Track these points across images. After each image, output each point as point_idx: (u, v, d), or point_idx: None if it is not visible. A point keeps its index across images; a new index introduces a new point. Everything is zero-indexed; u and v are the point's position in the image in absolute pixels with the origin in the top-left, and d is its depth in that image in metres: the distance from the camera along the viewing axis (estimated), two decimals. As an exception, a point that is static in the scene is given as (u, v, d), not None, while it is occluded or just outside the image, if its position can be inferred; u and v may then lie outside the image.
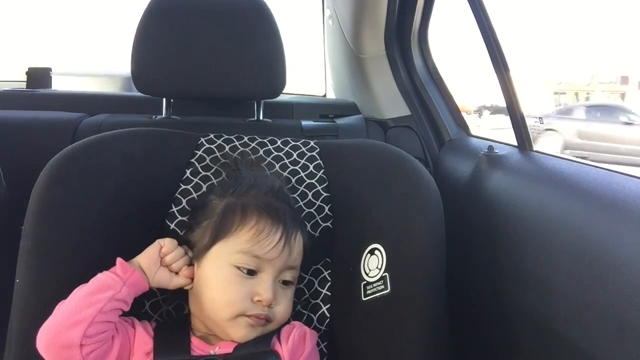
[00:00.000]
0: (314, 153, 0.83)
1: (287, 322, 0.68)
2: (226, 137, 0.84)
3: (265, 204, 0.65)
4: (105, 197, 0.69)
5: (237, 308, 0.61)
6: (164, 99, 1.07)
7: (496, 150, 0.86)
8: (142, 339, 0.61)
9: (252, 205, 0.65)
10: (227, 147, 0.82)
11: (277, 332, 0.64)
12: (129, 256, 0.66)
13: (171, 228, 0.73)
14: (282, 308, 0.64)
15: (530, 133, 0.83)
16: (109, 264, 0.65)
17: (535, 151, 0.82)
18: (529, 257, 0.68)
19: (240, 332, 0.61)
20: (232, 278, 0.62)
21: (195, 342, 0.62)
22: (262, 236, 0.63)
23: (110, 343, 0.59)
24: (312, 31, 1.50)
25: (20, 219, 0.65)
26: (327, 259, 0.74)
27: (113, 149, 0.74)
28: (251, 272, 0.62)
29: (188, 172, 0.78)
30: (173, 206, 0.75)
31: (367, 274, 0.69)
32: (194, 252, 0.66)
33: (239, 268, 0.62)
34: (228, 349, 0.61)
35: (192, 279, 0.65)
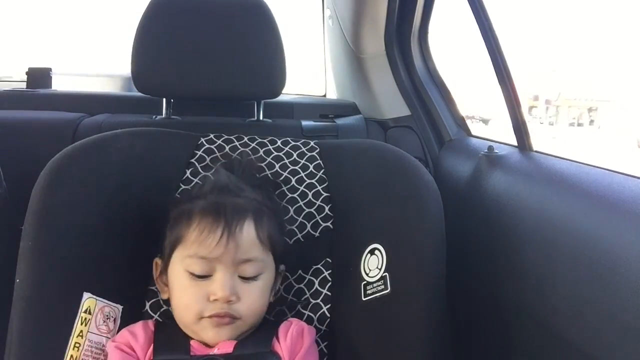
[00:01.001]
0: (314, 153, 0.83)
1: (285, 319, 0.68)
2: (226, 137, 0.84)
3: (208, 204, 0.64)
4: (105, 197, 0.69)
5: (194, 310, 0.61)
6: (164, 99, 1.07)
7: (496, 151, 0.86)
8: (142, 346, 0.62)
9: (197, 208, 0.64)
10: (227, 147, 0.82)
11: (275, 331, 0.64)
12: (128, 255, 0.66)
13: None
14: (246, 303, 0.62)
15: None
16: (109, 264, 0.65)
17: (535, 151, 0.83)
18: (529, 257, 0.68)
19: (209, 333, 0.61)
20: (186, 282, 0.62)
21: (194, 344, 0.62)
22: (203, 236, 0.62)
23: None
24: (312, 31, 1.50)
25: (20, 219, 0.65)
26: (328, 259, 0.74)
27: (113, 149, 0.74)
28: (204, 275, 0.62)
29: (188, 172, 0.78)
30: None
31: (367, 274, 0.69)
32: (163, 262, 0.66)
33: (191, 273, 0.62)
34: (228, 349, 0.61)
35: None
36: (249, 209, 0.65)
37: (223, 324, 0.61)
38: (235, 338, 0.62)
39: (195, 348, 0.62)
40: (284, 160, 0.81)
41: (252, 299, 0.63)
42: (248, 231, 0.63)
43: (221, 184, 0.68)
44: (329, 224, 0.76)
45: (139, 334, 0.63)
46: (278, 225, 0.70)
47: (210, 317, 0.61)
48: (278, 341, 0.63)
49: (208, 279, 0.62)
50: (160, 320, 0.69)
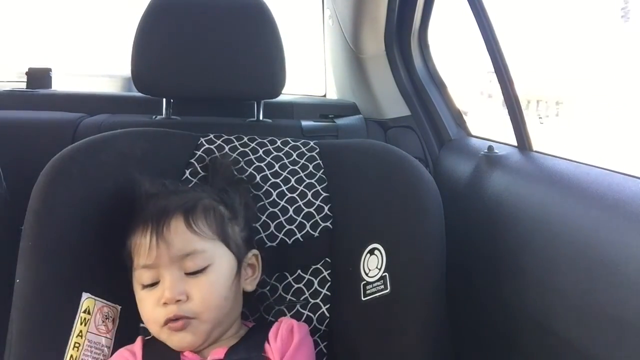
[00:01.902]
0: (313, 153, 0.83)
1: (275, 320, 0.67)
2: (226, 137, 0.84)
3: (139, 215, 0.64)
4: (105, 197, 0.69)
5: (153, 319, 0.61)
6: (164, 99, 1.07)
7: (496, 151, 0.86)
8: None
9: (132, 223, 0.64)
10: (226, 148, 0.82)
11: (267, 334, 0.63)
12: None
13: None
14: (198, 299, 0.60)
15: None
16: (108, 265, 0.65)
17: (535, 151, 0.83)
18: (529, 257, 0.68)
19: (173, 340, 0.61)
20: (142, 294, 0.63)
21: (187, 354, 0.62)
22: (138, 246, 0.62)
23: None
24: (312, 31, 1.50)
25: (20, 219, 0.65)
26: (327, 259, 0.74)
27: (113, 149, 0.74)
28: (153, 283, 0.62)
29: (187, 172, 0.78)
30: None
31: (366, 274, 0.68)
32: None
33: (142, 284, 0.62)
34: (219, 355, 0.61)
35: None
36: (177, 206, 0.63)
37: (177, 329, 0.60)
38: (207, 341, 0.62)
39: (188, 357, 0.62)
40: (283, 160, 0.82)
41: (203, 293, 0.61)
42: (177, 227, 0.62)
43: (148, 192, 0.66)
44: (328, 223, 0.76)
45: (137, 351, 0.63)
46: (233, 216, 0.68)
47: (165, 323, 0.60)
48: (269, 344, 0.62)
49: (158, 286, 0.61)
50: None
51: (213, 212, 0.66)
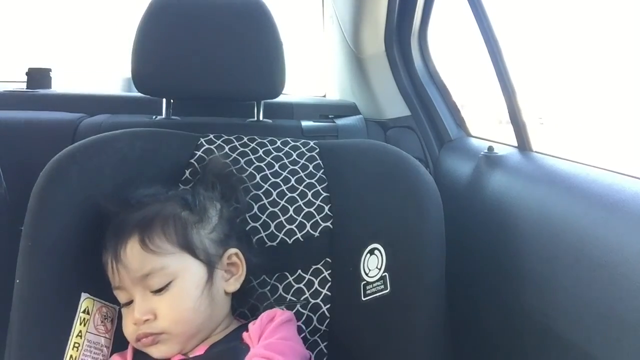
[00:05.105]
0: (313, 153, 0.83)
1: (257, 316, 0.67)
2: (226, 137, 0.84)
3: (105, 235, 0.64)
4: (104, 197, 0.69)
5: (129, 336, 0.63)
6: (164, 100, 1.07)
7: (496, 151, 0.86)
8: None
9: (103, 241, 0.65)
10: (226, 148, 0.82)
11: (245, 327, 0.64)
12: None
13: None
14: (164, 316, 0.61)
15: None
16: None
17: (535, 151, 0.83)
18: (529, 257, 0.68)
19: (150, 352, 0.62)
20: (123, 312, 0.64)
21: (176, 358, 0.62)
22: (106, 268, 0.63)
23: None
24: (312, 31, 1.50)
25: (20, 219, 0.65)
26: (327, 259, 0.74)
27: (113, 149, 0.74)
28: (129, 302, 0.63)
29: (187, 172, 0.78)
30: None
31: (366, 274, 0.69)
32: None
33: (121, 303, 0.64)
34: (200, 352, 0.62)
35: None
36: (134, 225, 0.62)
37: (148, 344, 0.61)
38: (187, 347, 0.62)
39: (175, 357, 0.62)
40: (283, 160, 0.82)
41: (169, 310, 0.61)
42: (132, 248, 0.61)
43: (110, 210, 0.66)
44: (328, 223, 0.76)
45: (128, 356, 0.64)
46: (198, 219, 0.66)
47: (138, 339, 0.61)
48: (248, 331, 0.62)
49: (132, 304, 0.62)
50: None
51: (173, 223, 0.64)
